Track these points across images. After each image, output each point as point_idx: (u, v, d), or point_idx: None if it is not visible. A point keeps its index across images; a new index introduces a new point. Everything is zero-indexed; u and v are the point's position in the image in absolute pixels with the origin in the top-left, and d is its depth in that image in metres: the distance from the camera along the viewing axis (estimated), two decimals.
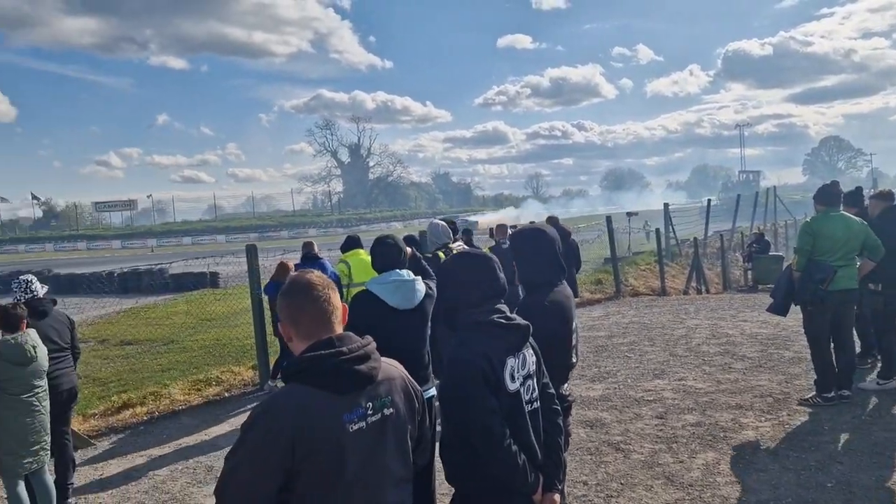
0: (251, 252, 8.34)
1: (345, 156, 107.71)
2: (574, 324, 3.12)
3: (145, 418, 7.37)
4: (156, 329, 13.95)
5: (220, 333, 12.69)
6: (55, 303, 5.35)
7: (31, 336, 4.63)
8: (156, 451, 6.42)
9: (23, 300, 4.92)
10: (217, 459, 6.07)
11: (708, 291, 18.68)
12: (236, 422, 7.20)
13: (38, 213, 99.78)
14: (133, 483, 5.66)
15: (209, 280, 22.24)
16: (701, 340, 9.46)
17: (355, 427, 1.91)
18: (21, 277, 5.17)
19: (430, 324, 4.10)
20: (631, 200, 76.75)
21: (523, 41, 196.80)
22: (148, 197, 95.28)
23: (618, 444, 5.63)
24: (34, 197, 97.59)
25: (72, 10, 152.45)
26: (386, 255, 4.02)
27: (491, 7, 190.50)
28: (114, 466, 6.10)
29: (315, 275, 2.08)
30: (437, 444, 2.64)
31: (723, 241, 22.91)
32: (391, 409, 2.01)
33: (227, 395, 8.19)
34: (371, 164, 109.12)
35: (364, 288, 3.97)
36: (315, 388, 1.89)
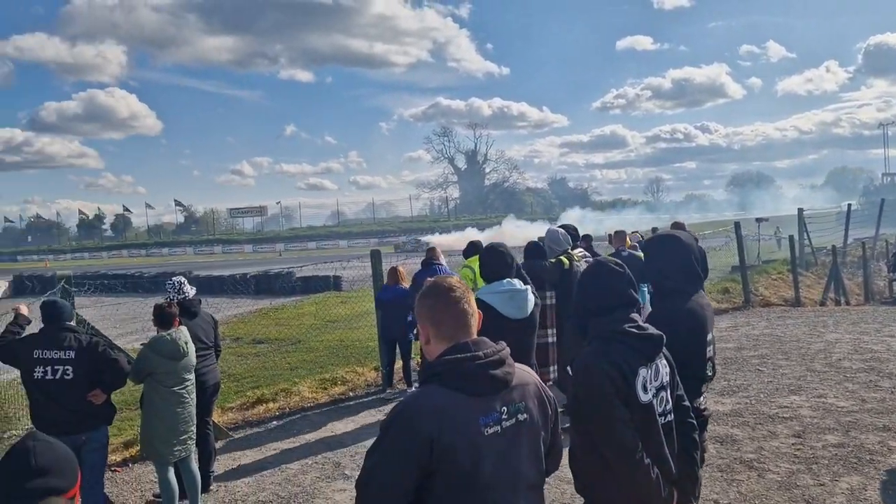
0: (375, 257, 8.61)
1: (461, 162, 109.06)
2: (710, 335, 3.00)
3: (277, 413, 7.78)
4: (284, 329, 14.70)
5: (344, 335, 13.18)
6: (200, 303, 5.78)
7: (184, 333, 5.02)
8: (287, 445, 6.77)
9: (175, 300, 5.36)
10: (343, 456, 6.32)
11: (848, 303, 17.36)
12: (361, 420, 7.47)
13: (180, 218, 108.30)
14: (267, 474, 6.00)
15: (333, 283, 23.21)
16: (842, 355, 8.81)
17: (491, 430, 1.94)
18: (174, 279, 5.62)
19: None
20: (759, 205, 72.26)
21: (643, 42, 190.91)
22: (277, 203, 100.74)
23: (751, 463, 5.34)
24: (177, 203, 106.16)
25: (211, 29, 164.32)
26: (497, 263, 4.01)
27: (610, 9, 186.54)
28: (249, 458, 6.48)
29: (455, 279, 2.14)
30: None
31: (865, 250, 21.19)
32: (525, 415, 2.03)
33: (351, 394, 8.50)
34: (487, 170, 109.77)
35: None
36: (452, 391, 1.93)
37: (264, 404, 7.98)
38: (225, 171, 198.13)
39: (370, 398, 8.38)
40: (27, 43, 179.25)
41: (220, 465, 6.18)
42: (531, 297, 3.91)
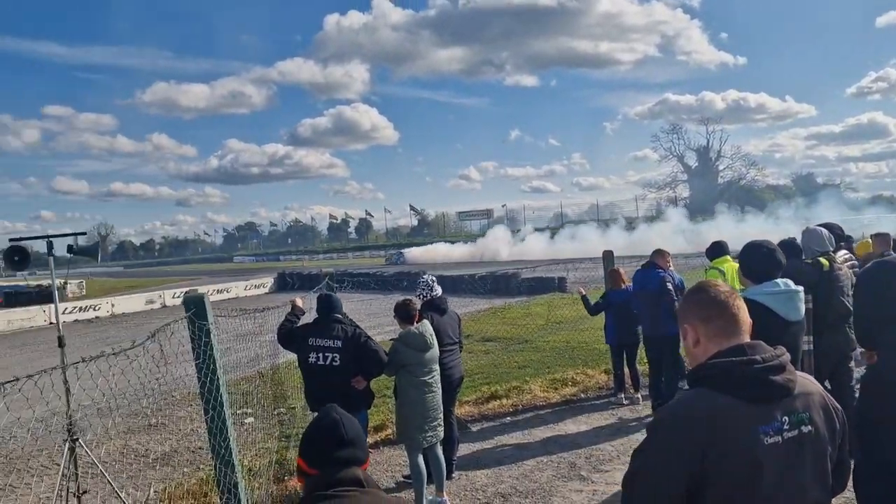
0: (608, 258, 8.50)
1: (692, 160, 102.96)
2: None
3: (510, 410, 8.02)
4: (512, 328, 15.07)
5: (570, 336, 13.19)
6: (447, 301, 6.15)
7: (427, 326, 5.39)
8: (521, 441, 6.95)
9: (426, 298, 5.78)
10: (578, 457, 6.34)
11: None
12: (593, 422, 7.43)
13: (414, 221, 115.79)
14: (504, 468, 6.21)
15: (558, 285, 23.34)
16: None
17: (770, 440, 1.83)
18: (425, 278, 6.05)
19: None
20: None
21: None
22: (502, 206, 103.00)
23: None
24: (412, 208, 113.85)
25: (443, 42, 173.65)
26: (766, 262, 3.74)
27: None
28: (487, 450, 6.76)
29: (722, 283, 2.07)
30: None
31: None
32: (809, 427, 1.89)
33: (582, 395, 8.49)
34: (721, 167, 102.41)
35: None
36: (726, 395, 1.86)
37: (498, 400, 8.26)
38: (453, 176, 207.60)
39: (601, 401, 8.30)
40: (288, 67, 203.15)
41: (460, 455, 6.52)
42: (803, 297, 3.61)
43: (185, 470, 7.12)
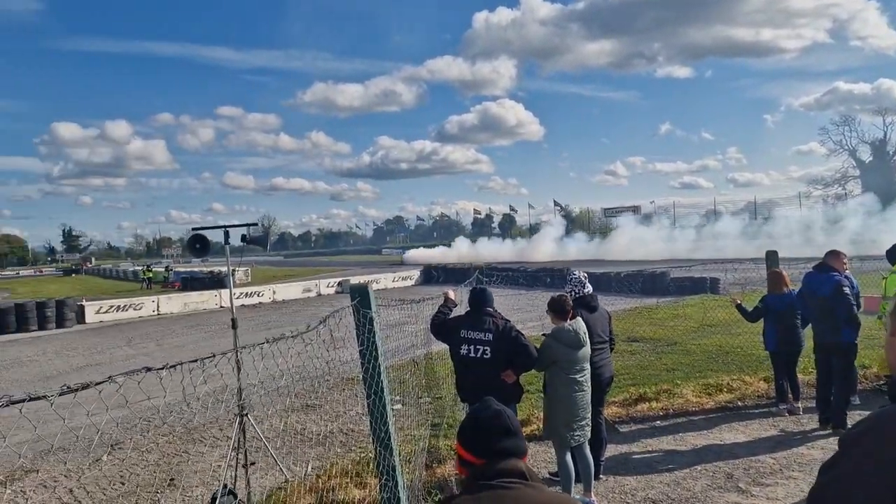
0: (771, 258, 7.95)
1: (865, 154, 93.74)
2: None
3: (660, 413, 7.73)
4: (659, 329, 14.51)
5: (723, 340, 12.49)
6: (597, 298, 6.03)
7: (581, 324, 5.31)
8: (672, 447, 6.68)
9: (578, 294, 5.70)
10: (736, 468, 5.99)
11: None
12: (752, 432, 6.99)
13: (558, 217, 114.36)
14: (655, 474, 6.00)
15: (710, 286, 22.18)
16: None
17: None
18: (576, 275, 5.97)
19: None
20: None
21: None
22: (651, 203, 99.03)
23: None
24: (556, 204, 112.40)
25: (591, 35, 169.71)
26: None
27: None
28: (636, 453, 6.57)
29: None
30: None
31: None
32: None
33: (739, 403, 8.01)
34: None
35: None
36: None
37: (647, 402, 7.99)
38: (599, 171, 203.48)
39: (760, 410, 7.79)
40: (437, 65, 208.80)
41: (608, 456, 6.37)
42: None
43: (338, 450, 7.52)
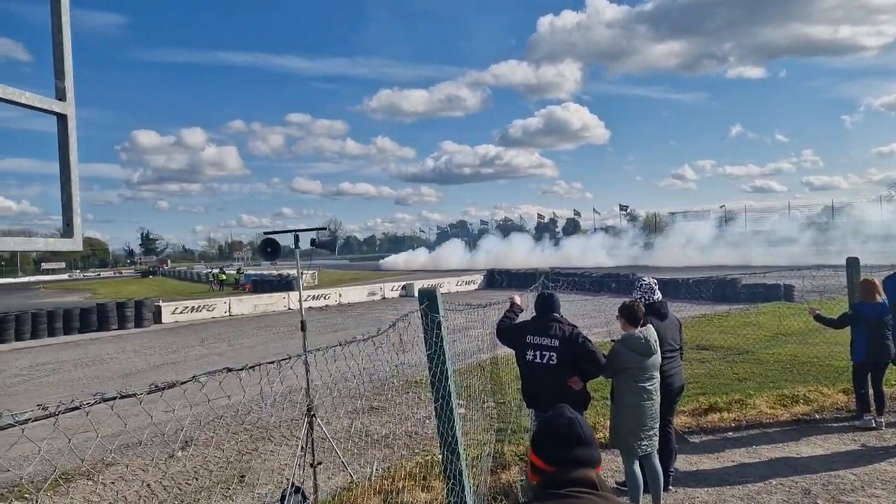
0: (852, 266, 7.62)
1: None
2: None
3: (732, 424, 7.50)
4: (730, 338, 14.07)
5: (797, 350, 12.06)
6: (667, 305, 5.91)
7: (652, 331, 5.21)
8: (745, 460, 6.47)
9: (648, 301, 5.60)
10: (813, 483, 5.76)
11: None
12: (831, 447, 6.71)
13: (623, 223, 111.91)
14: (727, 487, 5.82)
15: (784, 293, 21.37)
16: None
17: None
18: (646, 281, 5.86)
19: None
20: None
21: None
22: (720, 207, 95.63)
23: None
24: (621, 208, 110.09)
25: (659, 36, 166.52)
26: None
27: None
28: (706, 465, 6.39)
29: None
30: None
31: None
32: None
33: (816, 415, 7.69)
34: None
35: None
36: None
37: (718, 413, 7.77)
38: (666, 175, 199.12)
39: (839, 423, 7.46)
40: (501, 70, 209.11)
41: (677, 467, 6.22)
42: None
43: (403, 453, 7.60)
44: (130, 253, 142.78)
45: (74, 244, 3.36)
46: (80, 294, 51.24)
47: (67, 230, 3.25)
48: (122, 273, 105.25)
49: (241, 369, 2.95)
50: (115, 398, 2.48)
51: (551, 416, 2.08)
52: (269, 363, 3.19)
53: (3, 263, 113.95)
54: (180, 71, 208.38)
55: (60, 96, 3.24)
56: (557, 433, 2.01)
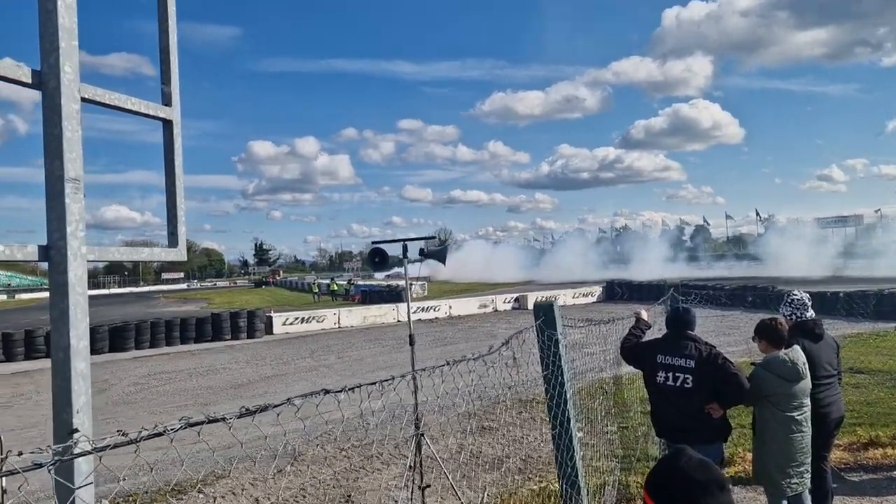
0: None
1: None
2: None
3: None
4: (888, 360, 12.53)
5: None
6: (822, 324, 5.10)
7: (799, 354, 4.48)
8: None
9: (799, 318, 4.85)
10: None
11: None
12: None
13: (761, 229, 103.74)
14: None
15: None
16: None
17: None
18: (798, 296, 5.08)
19: None
20: None
21: None
22: (875, 211, 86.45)
23: None
24: (758, 213, 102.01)
25: (803, 23, 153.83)
26: None
27: None
28: None
29: None
30: None
31: None
32: None
33: None
34: None
35: None
36: None
37: (880, 448, 6.76)
38: (810, 176, 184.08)
39: None
40: (623, 67, 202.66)
41: None
42: None
43: (516, 477, 7.11)
44: (244, 263, 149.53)
45: (178, 254, 3.17)
46: (197, 304, 53.76)
47: (172, 240, 3.08)
48: (236, 283, 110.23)
49: (340, 391, 2.67)
50: (202, 423, 2.27)
51: (675, 456, 1.69)
52: (371, 384, 2.88)
53: (126, 274, 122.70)
54: (293, 80, 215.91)
55: (166, 101, 3.06)
56: (690, 478, 1.60)
